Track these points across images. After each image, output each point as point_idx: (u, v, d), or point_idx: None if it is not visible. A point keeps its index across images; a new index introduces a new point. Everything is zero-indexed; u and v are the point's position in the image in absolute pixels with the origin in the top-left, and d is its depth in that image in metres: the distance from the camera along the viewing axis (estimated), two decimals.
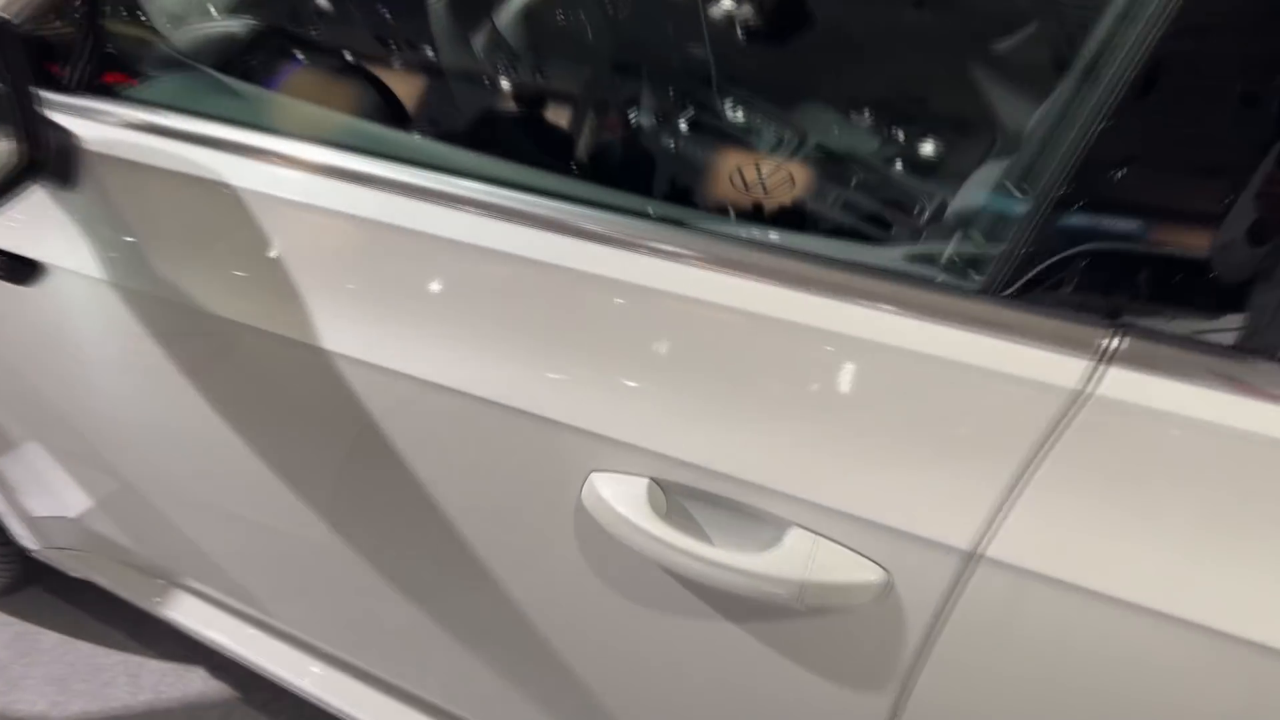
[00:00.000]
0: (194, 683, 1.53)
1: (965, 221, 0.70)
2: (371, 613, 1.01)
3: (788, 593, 0.64)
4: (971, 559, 0.60)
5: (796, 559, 0.64)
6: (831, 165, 0.96)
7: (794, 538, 0.65)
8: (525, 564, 0.83)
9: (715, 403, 0.68)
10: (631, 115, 1.10)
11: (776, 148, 0.97)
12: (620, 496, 0.71)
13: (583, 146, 1.07)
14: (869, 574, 0.63)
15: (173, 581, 1.28)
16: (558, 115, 1.15)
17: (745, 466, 0.66)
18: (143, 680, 1.51)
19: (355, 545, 0.94)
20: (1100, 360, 0.58)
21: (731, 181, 0.93)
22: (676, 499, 0.71)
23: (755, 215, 0.94)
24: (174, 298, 0.86)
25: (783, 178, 0.91)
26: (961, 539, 0.60)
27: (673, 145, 1.10)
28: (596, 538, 0.73)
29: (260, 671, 1.24)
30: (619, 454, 0.71)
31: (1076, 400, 0.58)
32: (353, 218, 0.79)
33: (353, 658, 1.12)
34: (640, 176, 1.06)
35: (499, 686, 0.96)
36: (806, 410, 0.65)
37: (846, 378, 0.64)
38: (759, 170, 0.94)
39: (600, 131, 1.13)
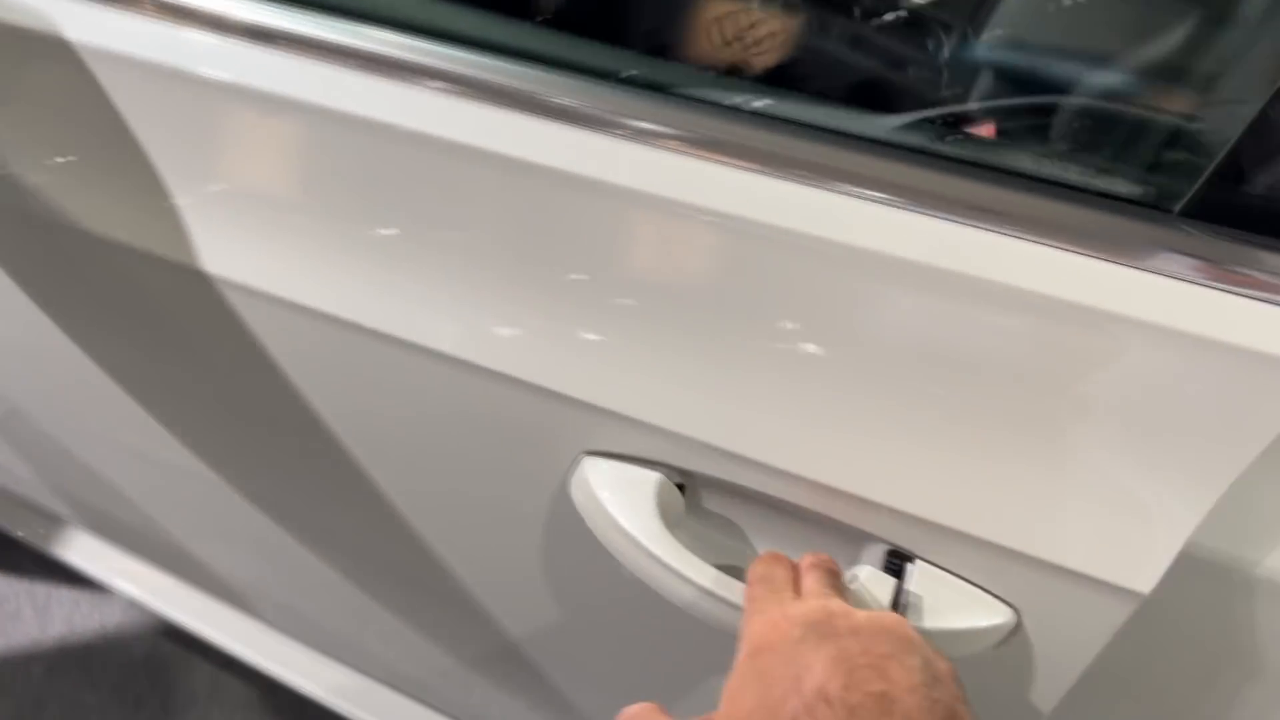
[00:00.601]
0: (112, 613, 1.35)
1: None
2: (284, 575, 0.83)
3: None
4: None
5: (878, 594, 0.46)
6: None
7: (868, 579, 0.47)
8: (476, 548, 0.66)
9: (766, 368, 0.48)
10: None
11: None
12: (617, 490, 0.52)
13: None
14: (990, 615, 0.45)
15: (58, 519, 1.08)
16: None
17: (810, 461, 0.47)
18: (52, 611, 1.34)
19: (251, 496, 0.76)
20: None
21: (709, 37, 0.66)
22: (703, 499, 0.52)
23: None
24: None
25: (767, 32, 0.64)
26: (1136, 578, 0.42)
27: None
28: (581, 538, 0.55)
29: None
30: (620, 431, 0.52)
31: None
32: (241, 90, 0.54)
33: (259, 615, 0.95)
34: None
35: (438, 665, 0.80)
36: (909, 385, 0.46)
37: (962, 338, 0.44)
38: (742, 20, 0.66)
39: None
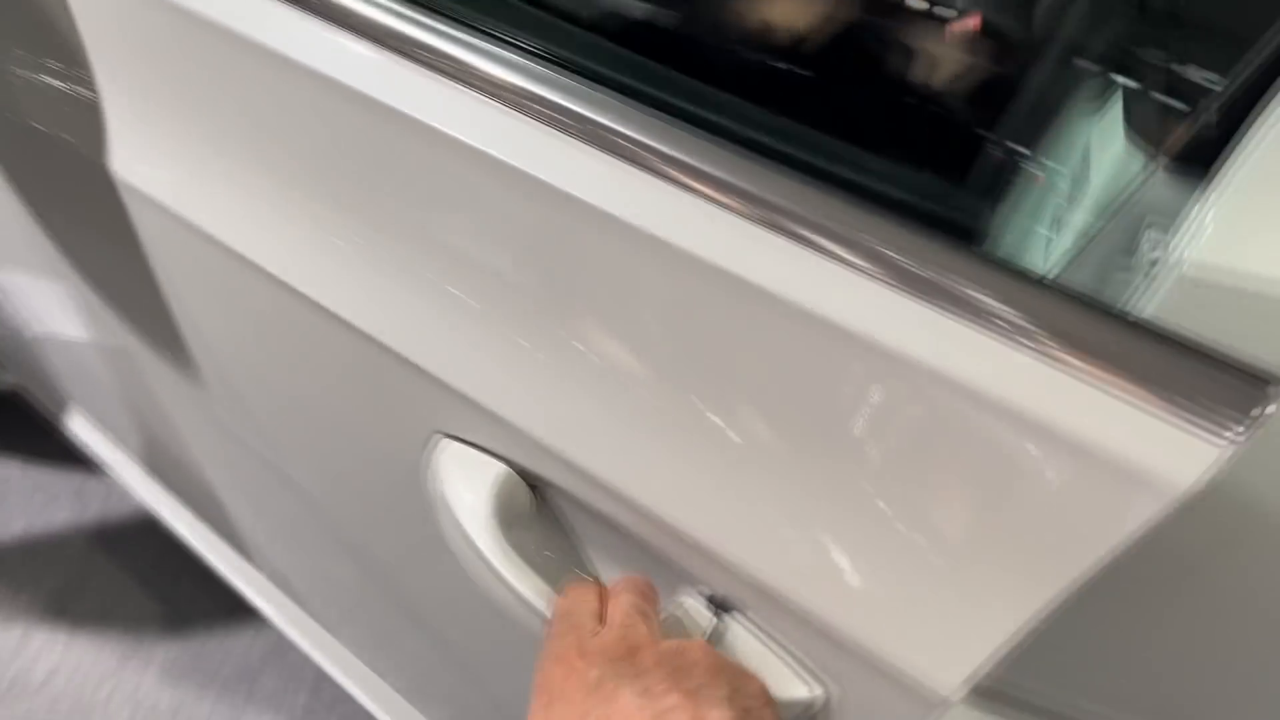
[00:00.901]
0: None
1: None
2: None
3: None
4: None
5: (694, 626, 0.43)
6: None
7: (691, 610, 0.44)
8: (342, 494, 0.67)
9: (620, 386, 0.44)
10: None
11: None
12: (457, 474, 0.50)
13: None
14: (792, 690, 0.41)
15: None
16: None
17: (643, 487, 0.43)
18: (88, 497, 1.44)
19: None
20: (1241, 439, 0.30)
21: None
22: (561, 504, 0.49)
23: None
24: None
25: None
26: (939, 679, 0.37)
27: None
28: (425, 513, 0.53)
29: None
30: (472, 419, 0.49)
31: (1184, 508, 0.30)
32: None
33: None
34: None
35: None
36: (763, 441, 0.40)
37: (827, 399, 0.38)
38: None
39: None
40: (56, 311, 0.92)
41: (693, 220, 0.38)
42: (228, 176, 0.56)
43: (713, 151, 0.39)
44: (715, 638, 0.42)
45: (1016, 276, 0.34)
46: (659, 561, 0.45)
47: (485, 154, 0.42)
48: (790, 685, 0.41)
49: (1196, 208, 0.31)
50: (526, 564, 0.47)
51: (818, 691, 0.41)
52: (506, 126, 0.42)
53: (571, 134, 0.41)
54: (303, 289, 0.53)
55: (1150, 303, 0.31)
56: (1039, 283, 0.34)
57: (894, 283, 0.35)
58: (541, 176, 0.41)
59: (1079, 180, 0.44)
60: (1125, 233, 0.40)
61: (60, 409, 1.24)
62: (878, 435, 0.36)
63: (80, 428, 1.21)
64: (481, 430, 0.49)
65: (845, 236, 0.36)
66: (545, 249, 0.43)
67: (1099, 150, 0.41)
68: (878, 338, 0.34)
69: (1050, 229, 0.44)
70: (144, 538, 1.39)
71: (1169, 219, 0.32)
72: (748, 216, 0.37)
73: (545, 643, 0.40)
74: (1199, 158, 0.32)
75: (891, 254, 0.35)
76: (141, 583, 1.35)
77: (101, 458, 1.19)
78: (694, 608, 0.44)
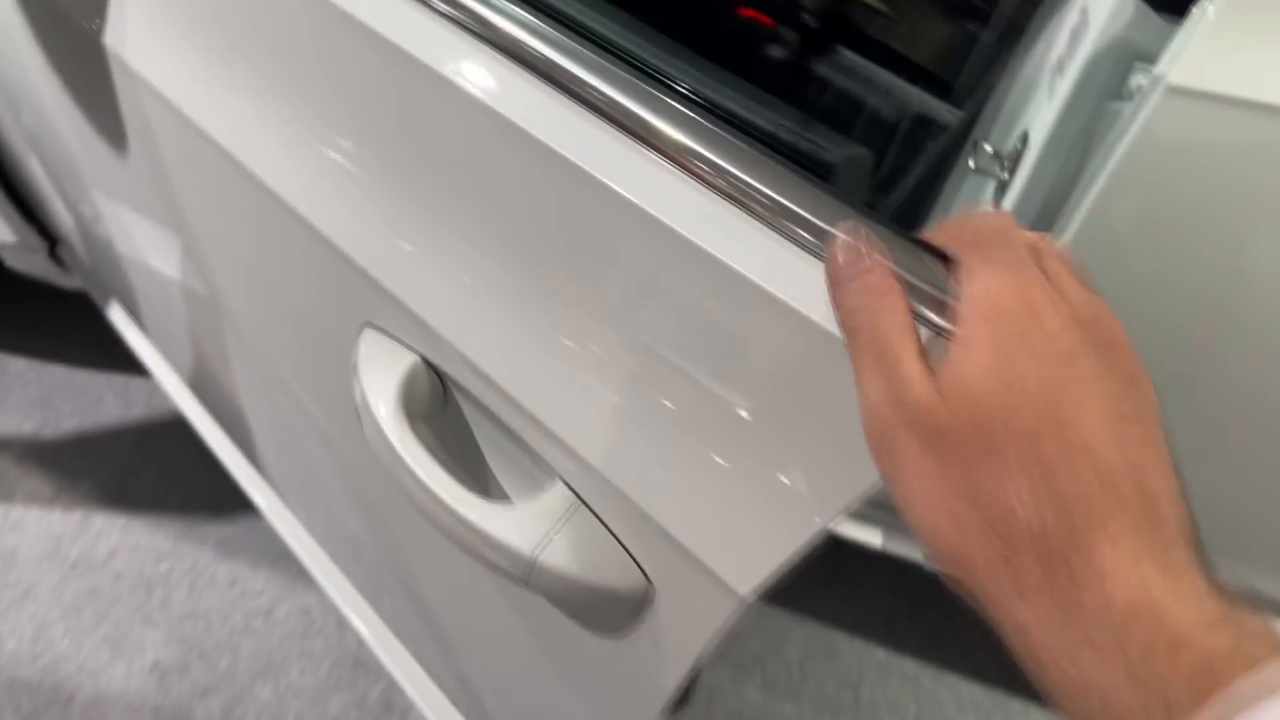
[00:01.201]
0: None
1: None
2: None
3: (512, 567, 0.44)
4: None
5: (538, 525, 0.44)
6: None
7: (553, 497, 0.45)
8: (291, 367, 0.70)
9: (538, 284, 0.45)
10: None
11: None
12: (377, 369, 0.51)
13: None
14: (623, 578, 0.43)
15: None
16: None
17: (519, 382, 0.46)
18: (132, 396, 1.50)
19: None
20: None
21: None
22: (469, 398, 0.51)
23: None
24: None
25: None
26: (738, 576, 0.38)
27: None
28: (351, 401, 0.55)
29: None
30: (392, 313, 0.51)
31: None
32: None
33: None
34: None
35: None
36: (644, 340, 0.41)
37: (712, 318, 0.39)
38: None
39: None
40: (129, 233, 0.96)
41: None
42: (214, 65, 0.57)
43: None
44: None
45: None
46: (533, 455, 0.48)
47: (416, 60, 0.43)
48: (617, 571, 0.43)
49: (1177, 39, 0.36)
50: (421, 445, 0.48)
51: (643, 584, 0.43)
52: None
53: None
54: (262, 177, 0.55)
55: (1139, 115, 0.36)
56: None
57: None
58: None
59: (1079, 31, 0.49)
60: (1117, 76, 0.46)
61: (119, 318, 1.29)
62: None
63: (136, 338, 1.26)
64: (395, 320, 0.51)
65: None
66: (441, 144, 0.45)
67: (1096, 4, 0.46)
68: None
69: (1054, 72, 0.49)
70: (189, 432, 1.45)
71: (1154, 59, 0.38)
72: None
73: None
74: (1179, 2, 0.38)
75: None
76: (191, 471, 1.43)
77: (151, 368, 1.26)
78: (559, 492, 0.46)
